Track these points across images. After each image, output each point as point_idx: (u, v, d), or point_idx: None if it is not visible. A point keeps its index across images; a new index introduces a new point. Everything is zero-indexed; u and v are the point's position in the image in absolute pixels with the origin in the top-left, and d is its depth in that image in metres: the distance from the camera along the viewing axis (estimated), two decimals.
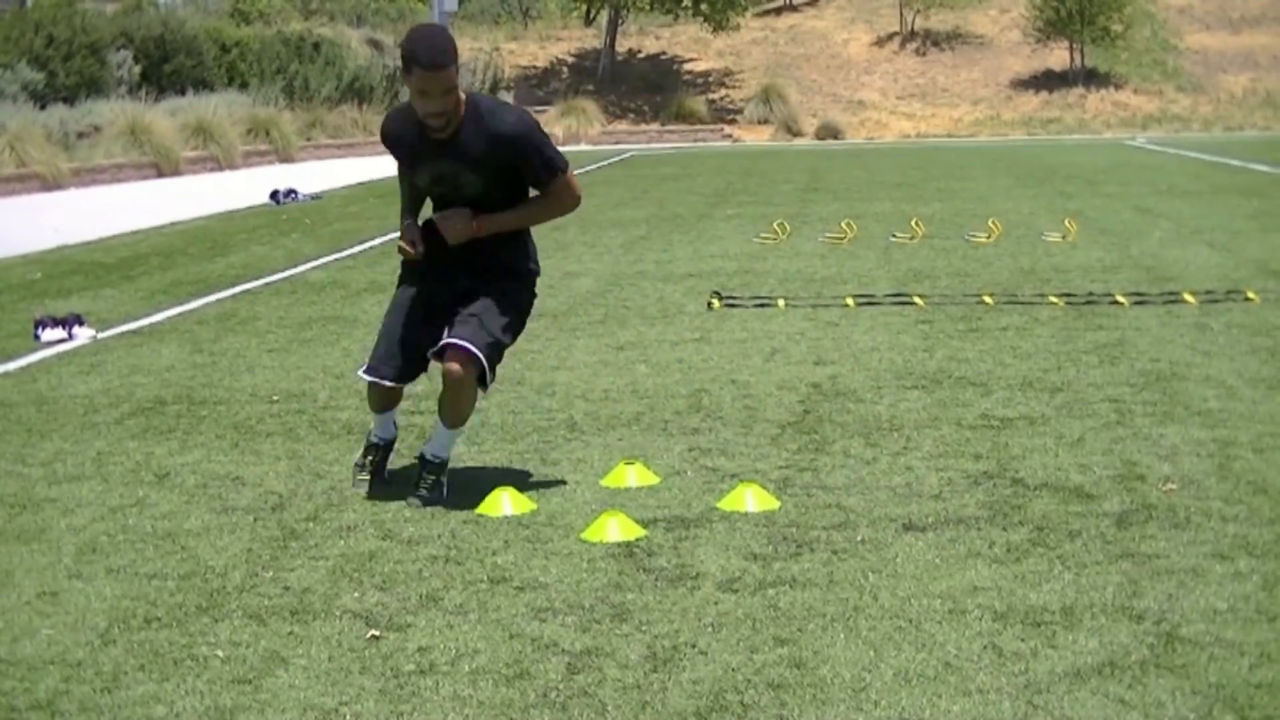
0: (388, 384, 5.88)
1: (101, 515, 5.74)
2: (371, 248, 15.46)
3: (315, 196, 22.76)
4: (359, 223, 18.52)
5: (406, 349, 5.84)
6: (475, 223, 5.72)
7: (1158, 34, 47.73)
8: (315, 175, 27.16)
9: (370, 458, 6.09)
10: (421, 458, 5.91)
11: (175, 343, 9.71)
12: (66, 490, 6.12)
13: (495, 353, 5.75)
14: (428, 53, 5.44)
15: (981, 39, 48.55)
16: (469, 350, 5.63)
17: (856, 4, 52.29)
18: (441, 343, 5.71)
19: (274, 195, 22.15)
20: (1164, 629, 4.25)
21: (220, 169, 30.24)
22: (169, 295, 12.02)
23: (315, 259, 14.47)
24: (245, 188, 24.51)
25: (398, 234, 5.97)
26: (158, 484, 6.19)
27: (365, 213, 20.10)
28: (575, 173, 5.95)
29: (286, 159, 33.41)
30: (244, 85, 37.08)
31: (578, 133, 41.58)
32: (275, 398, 7.89)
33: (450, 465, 6.08)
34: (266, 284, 12.67)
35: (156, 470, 6.41)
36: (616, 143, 41.21)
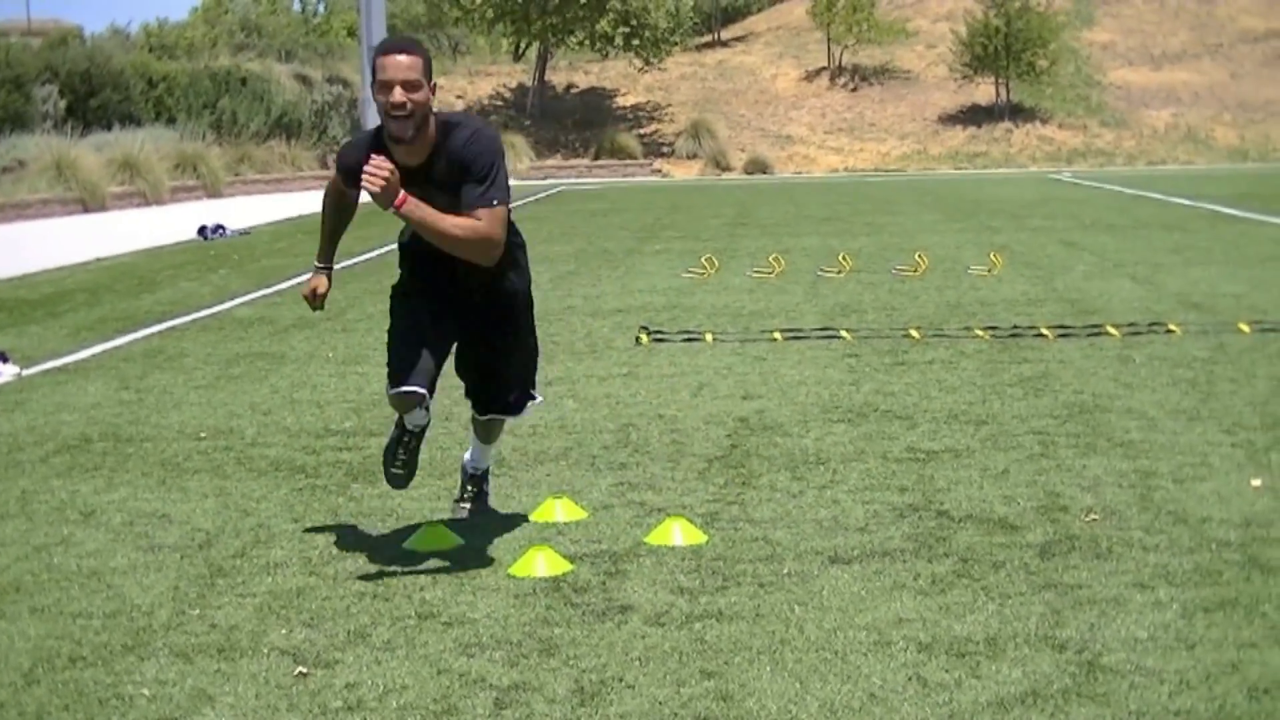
0: (420, 391, 5.41)
1: (25, 554, 5.69)
2: (298, 284, 15.38)
3: (243, 232, 22.68)
4: (287, 259, 18.46)
5: (430, 359, 5.48)
6: (401, 196, 5.11)
7: (1081, 70, 48.42)
8: (243, 211, 27.03)
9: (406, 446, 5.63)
10: (464, 471, 6.19)
11: (101, 380, 9.64)
12: None
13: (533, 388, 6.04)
14: (385, 43, 5.22)
15: (908, 74, 49.06)
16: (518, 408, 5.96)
17: (784, 40, 52.76)
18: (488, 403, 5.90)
19: (202, 231, 22.07)
20: (1085, 658, 4.31)
21: (148, 204, 30.05)
22: (95, 332, 11.93)
23: (243, 295, 14.41)
24: (173, 223, 24.39)
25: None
26: (83, 522, 6.14)
27: (293, 249, 20.03)
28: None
29: (214, 194, 33.25)
30: (171, 120, 36.94)
31: (508, 167, 41.58)
32: (202, 435, 7.85)
33: (381, 499, 6.11)
34: (194, 320, 12.60)
35: (82, 508, 6.37)
36: (546, 177, 41.28)
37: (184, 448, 7.55)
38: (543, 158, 43.55)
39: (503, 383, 5.83)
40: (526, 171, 41.74)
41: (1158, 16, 52.03)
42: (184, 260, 18.47)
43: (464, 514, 6.03)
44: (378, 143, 5.30)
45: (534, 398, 6.03)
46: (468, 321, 5.64)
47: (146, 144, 32.33)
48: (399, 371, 5.45)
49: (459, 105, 47.78)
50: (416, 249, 5.59)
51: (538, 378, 6.05)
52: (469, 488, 6.14)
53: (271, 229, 23.84)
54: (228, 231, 22.31)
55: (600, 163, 43.16)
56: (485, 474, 6.19)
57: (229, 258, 18.64)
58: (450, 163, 5.25)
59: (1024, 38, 44.43)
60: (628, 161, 43.15)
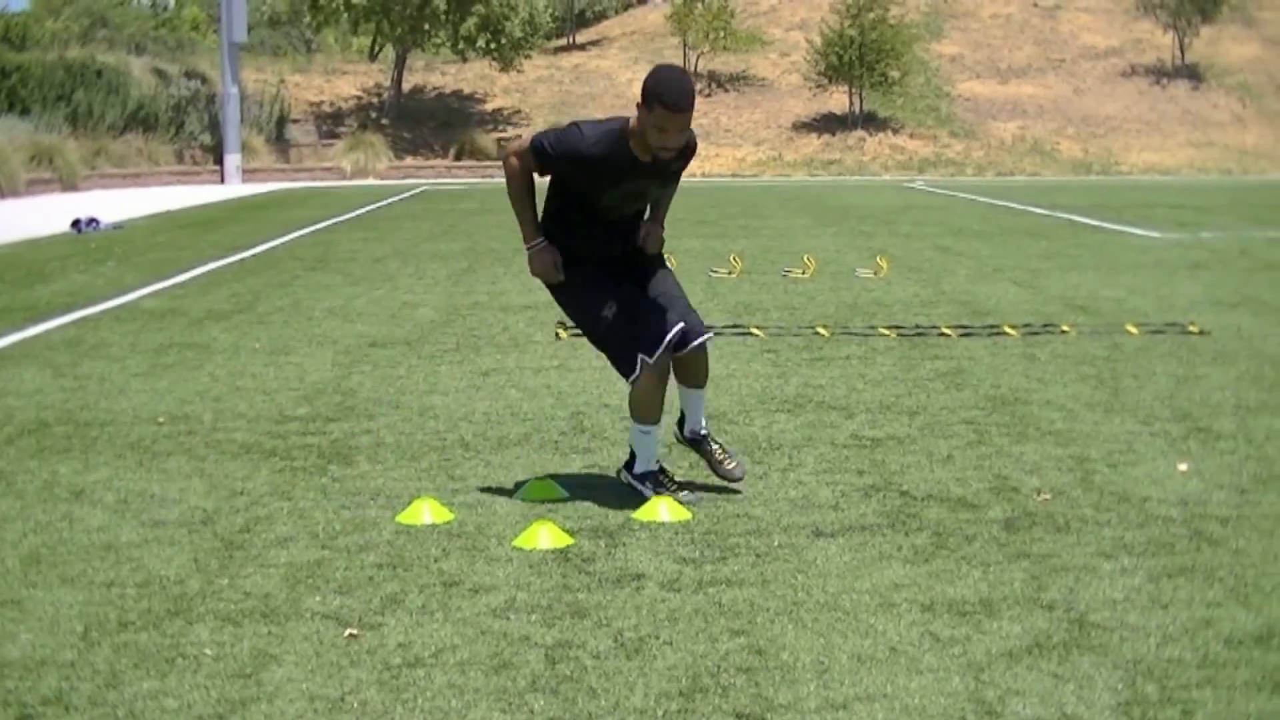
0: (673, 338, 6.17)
1: (33, 529, 5.87)
2: (196, 277, 15.48)
3: (117, 226, 22.55)
4: (173, 252, 18.46)
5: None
6: (659, 226, 6.35)
7: (931, 81, 49.62)
8: (103, 205, 26.77)
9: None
10: (697, 436, 6.45)
11: (32, 367, 9.72)
12: None
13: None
14: (674, 95, 5.82)
15: (763, 82, 49.85)
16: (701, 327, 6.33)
17: (639, 45, 53.25)
18: (683, 330, 6.21)
19: (76, 224, 21.91)
20: (1074, 616, 4.75)
21: (3, 196, 29.66)
22: (4, 321, 11.95)
23: (141, 288, 14.43)
24: (35, 216, 24.18)
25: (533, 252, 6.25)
26: (76, 500, 6.32)
27: (175, 242, 20.01)
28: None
29: (71, 187, 32.92)
30: (25, 111, 36.33)
31: (365, 167, 41.58)
32: (160, 420, 8.02)
33: (363, 479, 6.41)
34: (102, 311, 12.65)
35: (69, 487, 6.54)
36: (405, 177, 41.31)
37: (147, 432, 7.72)
38: (401, 158, 43.52)
39: (686, 302, 6.32)
40: (385, 171, 41.76)
41: (1003, 31, 53.49)
42: (66, 253, 18.36)
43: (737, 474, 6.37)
44: (623, 144, 5.98)
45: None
46: (636, 277, 6.31)
47: (0, 135, 31.87)
48: (648, 339, 6.18)
49: (316, 106, 47.55)
50: (579, 246, 6.24)
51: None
52: (715, 445, 6.42)
53: (146, 223, 23.71)
54: (101, 225, 22.16)
55: (460, 163, 43.26)
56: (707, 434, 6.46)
57: (112, 251, 18.56)
58: (681, 155, 6.11)
59: (877, 48, 45.44)
60: (487, 163, 43.28)
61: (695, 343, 6.26)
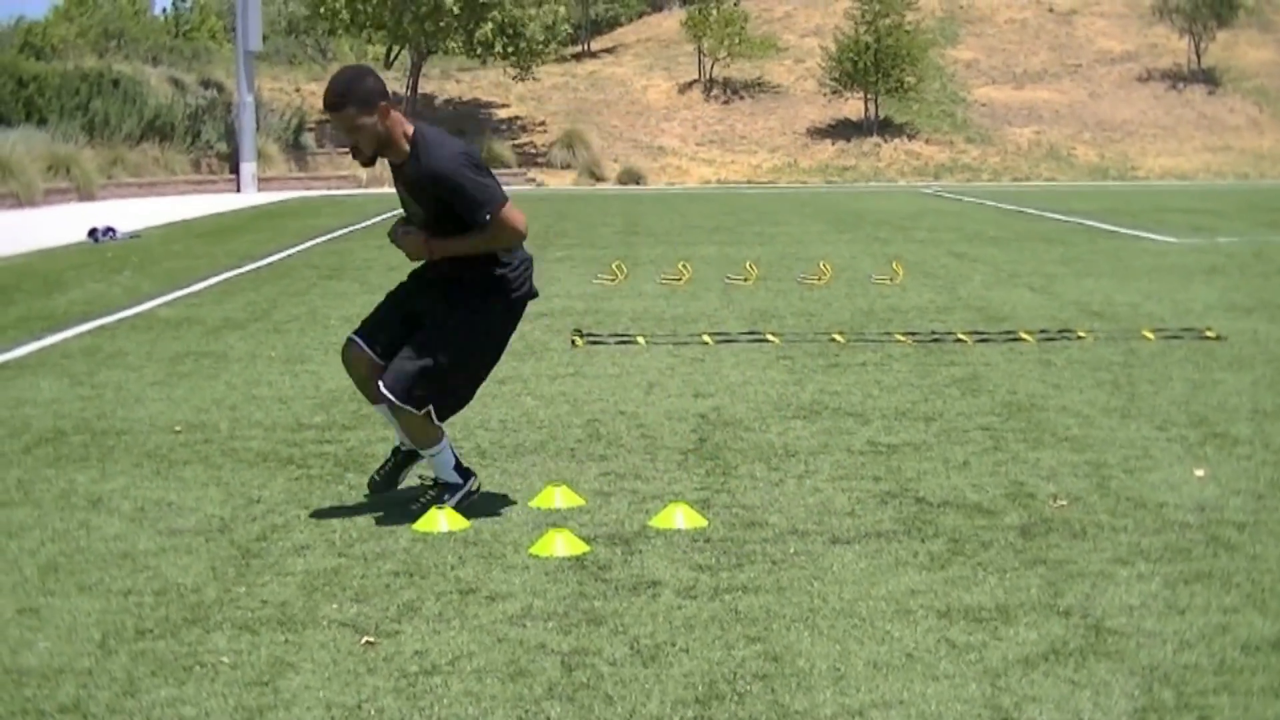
0: (353, 339, 6.25)
1: (51, 537, 5.89)
2: (212, 285, 15.52)
3: (134, 235, 22.61)
4: (189, 261, 18.50)
5: (378, 323, 6.27)
6: (429, 246, 6.08)
7: (946, 87, 49.62)
8: (120, 214, 26.82)
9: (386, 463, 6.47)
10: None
11: (50, 376, 9.75)
12: (1, 515, 6.24)
13: (419, 382, 6.01)
14: (325, 95, 5.98)
15: (779, 88, 49.87)
16: (388, 380, 6.04)
17: (654, 52, 53.33)
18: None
19: (92, 233, 21.97)
20: (1090, 622, 4.75)
21: (20, 206, 29.73)
22: (22, 330, 11.99)
23: (158, 296, 14.48)
24: (54, 225, 24.25)
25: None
26: (93, 509, 6.34)
27: (191, 251, 20.07)
28: (512, 208, 6.04)
29: (88, 197, 32.97)
30: (42, 121, 36.44)
31: (381, 175, 41.57)
32: (177, 428, 8.04)
33: (382, 492, 6.43)
34: (119, 320, 12.69)
35: (86, 496, 6.56)
36: None
37: (164, 440, 7.75)
38: None
39: (398, 357, 6.08)
40: None
41: (1019, 36, 53.48)
42: (82, 262, 18.42)
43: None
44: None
45: (399, 397, 6.00)
46: (421, 306, 6.24)
47: (18, 145, 31.95)
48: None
49: None
50: None
51: (417, 391, 5.99)
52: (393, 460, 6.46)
53: (161, 232, 23.78)
54: (118, 234, 22.22)
55: None
56: (436, 483, 6.28)
57: (128, 260, 18.61)
58: (420, 175, 5.98)
59: (893, 54, 45.44)
60: (502, 171, 43.29)
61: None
